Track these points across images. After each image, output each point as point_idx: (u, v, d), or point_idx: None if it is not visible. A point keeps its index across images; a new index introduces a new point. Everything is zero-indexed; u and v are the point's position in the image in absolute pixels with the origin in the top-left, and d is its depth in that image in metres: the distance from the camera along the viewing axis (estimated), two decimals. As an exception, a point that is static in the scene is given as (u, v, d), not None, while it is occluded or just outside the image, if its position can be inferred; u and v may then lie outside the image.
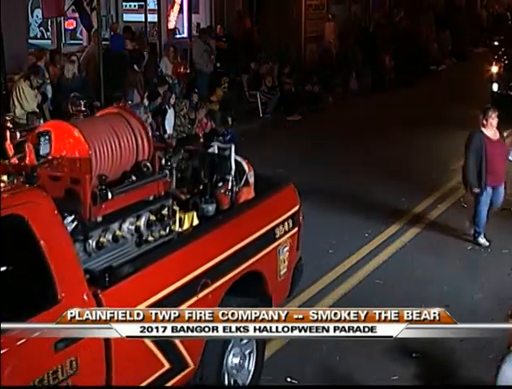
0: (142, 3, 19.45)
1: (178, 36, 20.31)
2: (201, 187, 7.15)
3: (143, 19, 19.29)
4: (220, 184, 7.22)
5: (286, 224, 7.46)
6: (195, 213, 6.79)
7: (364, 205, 12.38)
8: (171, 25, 20.00)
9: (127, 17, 18.63)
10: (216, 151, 7.60)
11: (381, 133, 17.31)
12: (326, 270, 9.79)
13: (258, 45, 21.08)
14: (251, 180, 7.50)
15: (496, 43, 23.31)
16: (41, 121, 12.91)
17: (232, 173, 7.33)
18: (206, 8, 21.19)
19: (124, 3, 18.62)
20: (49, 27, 17.61)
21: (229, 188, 7.21)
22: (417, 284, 9.46)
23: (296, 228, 7.71)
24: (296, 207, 7.77)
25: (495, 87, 19.81)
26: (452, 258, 10.30)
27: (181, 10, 20.47)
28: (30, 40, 16.88)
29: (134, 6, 19.68)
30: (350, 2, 28.66)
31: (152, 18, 19.40)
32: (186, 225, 6.67)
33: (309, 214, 11.88)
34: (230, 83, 18.63)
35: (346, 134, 17.34)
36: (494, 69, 20.24)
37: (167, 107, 15.05)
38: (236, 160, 7.49)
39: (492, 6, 38.15)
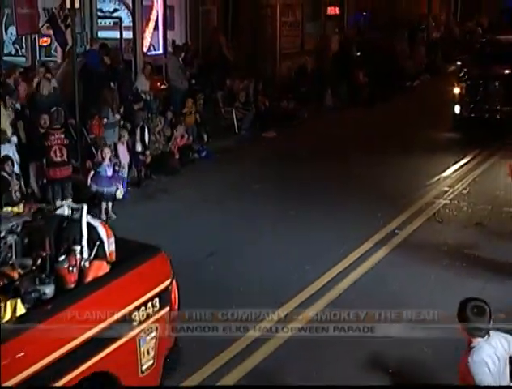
0: (117, 20, 19.43)
1: (153, 52, 20.31)
2: (39, 261, 5.82)
3: (118, 36, 19.26)
4: (63, 257, 5.90)
5: (150, 305, 6.16)
6: (19, 300, 5.37)
7: (340, 221, 12.42)
8: (146, 42, 20.00)
9: (102, 34, 18.59)
10: (66, 213, 6.28)
11: (356, 149, 17.39)
12: (303, 285, 9.79)
13: (232, 62, 21.13)
14: (110, 248, 6.24)
15: (458, 63, 22.50)
16: (15, 139, 12.88)
17: (84, 241, 6.07)
18: (181, 25, 21.21)
19: (99, 20, 18.59)
20: (24, 44, 17.55)
21: (75, 262, 5.85)
22: (393, 300, 9.47)
23: (166, 308, 6.43)
24: (167, 282, 6.47)
25: (457, 109, 19.34)
26: (428, 273, 10.34)
27: (156, 27, 20.48)
28: (4, 57, 16.81)
29: (109, 23, 19.66)
30: (325, 19, 28.84)
31: (127, 35, 19.37)
32: (7, 316, 5.26)
33: (285, 230, 11.98)
34: (205, 100, 18.66)
35: (321, 151, 17.40)
36: (456, 90, 19.62)
37: (144, 124, 15.05)
38: (89, 225, 6.18)
39: (465, 23, 38.57)
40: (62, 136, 12.76)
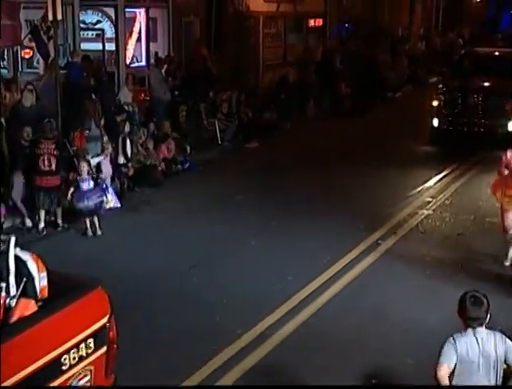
0: (100, 32, 19.42)
1: (136, 64, 20.30)
2: None
3: (101, 48, 19.24)
4: None
5: (83, 346, 5.62)
6: None
7: (323, 231, 12.43)
8: (129, 54, 20.00)
9: (85, 46, 18.55)
10: None
11: (338, 160, 17.46)
12: (286, 297, 9.78)
13: (215, 74, 21.15)
14: (41, 284, 5.72)
15: (437, 75, 22.38)
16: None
17: (11, 277, 5.54)
18: (164, 36, 21.22)
19: (81, 32, 18.57)
20: (6, 56, 17.49)
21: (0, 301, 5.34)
22: (377, 310, 9.51)
23: (103, 349, 5.86)
24: (104, 320, 5.92)
25: (435, 122, 19.16)
26: (411, 283, 10.38)
27: (139, 39, 20.48)
28: (-14, 69, 16.78)
29: (92, 34, 19.63)
30: (307, 30, 28.95)
31: (110, 46, 19.36)
32: None
33: (268, 240, 11.98)
34: (188, 112, 18.66)
35: (303, 162, 17.43)
36: (434, 103, 19.44)
37: (126, 136, 15.03)
38: (17, 258, 5.65)
39: (446, 34, 38.82)
40: (53, 147, 12.74)
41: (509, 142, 11.32)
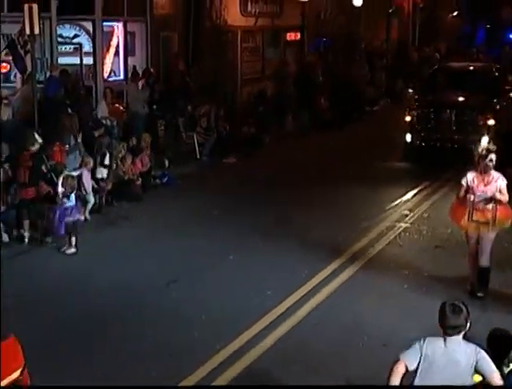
0: (78, 46, 19.38)
1: (114, 78, 20.27)
2: None
3: (79, 62, 19.20)
4: None
5: None
6: None
7: (301, 245, 12.45)
8: (107, 68, 19.96)
9: (62, 60, 18.49)
10: None
11: (316, 174, 17.53)
12: (265, 311, 9.77)
13: (193, 88, 21.16)
14: None
15: (410, 90, 21.76)
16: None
17: None
18: (142, 50, 21.22)
19: (59, 46, 18.52)
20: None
21: None
22: (355, 323, 9.52)
23: None
24: (16, 373, 5.40)
25: (408, 137, 18.91)
26: (389, 296, 10.40)
27: (116, 53, 20.46)
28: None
29: (70, 48, 19.59)
30: (285, 44, 29.06)
31: (88, 61, 19.33)
32: None
33: (247, 255, 11.98)
34: (166, 126, 18.65)
35: (281, 176, 17.49)
36: (407, 118, 19.15)
37: (106, 151, 15.00)
38: None
39: (423, 49, 39.10)
40: (28, 158, 12.71)
41: (472, 163, 10.57)
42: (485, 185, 10.20)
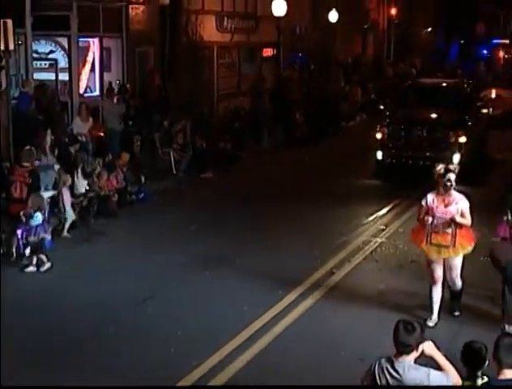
0: (53, 62, 19.33)
1: (90, 94, 20.23)
2: None
3: (54, 78, 19.15)
4: None
5: None
6: None
7: (278, 261, 12.46)
8: (82, 84, 19.92)
9: (38, 76, 18.44)
10: None
11: (292, 190, 17.57)
12: (241, 327, 9.76)
13: (169, 103, 21.17)
14: None
15: (381, 107, 21.62)
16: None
17: None
18: (118, 66, 21.21)
19: (34, 62, 18.46)
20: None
21: None
22: (332, 338, 9.54)
23: None
24: None
25: (379, 155, 18.66)
26: (365, 311, 10.42)
27: (92, 69, 20.43)
28: None
29: (45, 64, 19.53)
30: (261, 60, 29.18)
31: (63, 76, 19.28)
32: None
33: (223, 270, 11.96)
34: (142, 142, 18.62)
35: (258, 192, 17.52)
36: (378, 135, 18.82)
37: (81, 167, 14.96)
38: None
39: (398, 64, 39.42)
40: (26, 174, 12.64)
41: (433, 184, 10.02)
42: (445, 207, 9.70)
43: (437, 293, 10.03)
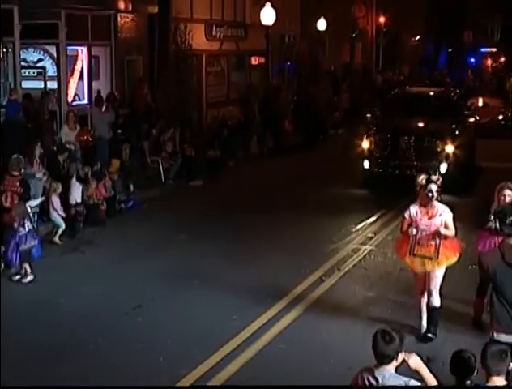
0: (42, 70, 19.30)
1: (78, 102, 20.18)
2: None
3: (42, 86, 19.12)
4: None
5: None
6: None
7: (267, 269, 12.45)
8: (71, 92, 19.88)
9: (26, 84, 18.41)
10: None
11: (281, 198, 17.59)
12: (230, 336, 9.73)
13: (157, 112, 21.17)
14: None
15: (368, 115, 21.24)
16: None
17: None
18: (106, 75, 21.19)
19: (23, 70, 18.43)
20: None
21: None
22: (321, 347, 9.53)
23: None
24: None
25: (366, 164, 18.49)
26: (354, 319, 10.41)
27: (81, 77, 20.40)
28: None
29: (34, 73, 19.50)
30: (249, 68, 29.21)
31: (52, 85, 19.25)
32: None
33: (212, 279, 11.94)
34: (131, 150, 18.60)
35: (247, 200, 17.54)
36: (365, 145, 18.67)
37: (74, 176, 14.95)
38: None
39: (387, 72, 39.55)
40: (17, 184, 12.59)
41: (415, 195, 9.80)
42: (429, 219, 9.50)
43: (425, 302, 9.91)
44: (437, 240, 9.47)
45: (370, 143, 18.69)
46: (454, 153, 18.15)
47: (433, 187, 9.38)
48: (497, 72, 46.74)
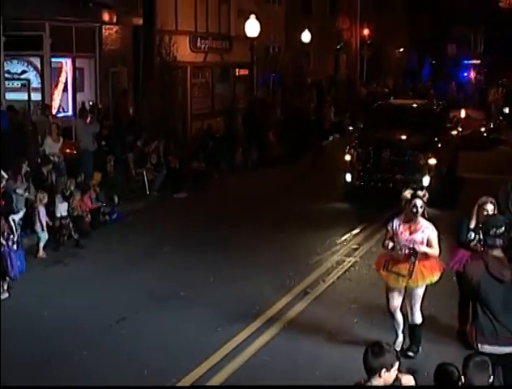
0: (26, 82, 19.26)
1: (63, 114, 20.15)
2: None
3: (27, 98, 19.08)
4: None
5: None
6: None
7: (252, 281, 12.45)
8: (55, 104, 19.85)
9: (10, 96, 18.39)
10: None
11: (266, 210, 17.60)
12: (215, 347, 9.72)
13: (141, 123, 21.16)
14: None
15: (351, 128, 21.06)
16: None
17: None
18: (91, 86, 21.17)
19: (6, 82, 18.39)
20: None
21: None
22: (306, 358, 9.52)
23: None
24: None
25: (348, 177, 18.35)
26: (339, 331, 10.41)
27: (65, 89, 20.37)
28: None
29: (17, 84, 19.46)
30: (234, 80, 29.29)
31: (36, 97, 19.22)
32: None
33: (196, 291, 11.92)
34: (116, 162, 18.57)
35: (231, 212, 17.54)
36: (347, 157, 18.51)
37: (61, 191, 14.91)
38: None
39: (371, 85, 39.72)
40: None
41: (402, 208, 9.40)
42: (410, 234, 9.11)
43: (398, 318, 9.60)
44: (412, 259, 9.06)
45: (352, 156, 18.57)
46: (436, 166, 18.09)
47: (418, 202, 9.05)
48: (480, 84, 47.08)
